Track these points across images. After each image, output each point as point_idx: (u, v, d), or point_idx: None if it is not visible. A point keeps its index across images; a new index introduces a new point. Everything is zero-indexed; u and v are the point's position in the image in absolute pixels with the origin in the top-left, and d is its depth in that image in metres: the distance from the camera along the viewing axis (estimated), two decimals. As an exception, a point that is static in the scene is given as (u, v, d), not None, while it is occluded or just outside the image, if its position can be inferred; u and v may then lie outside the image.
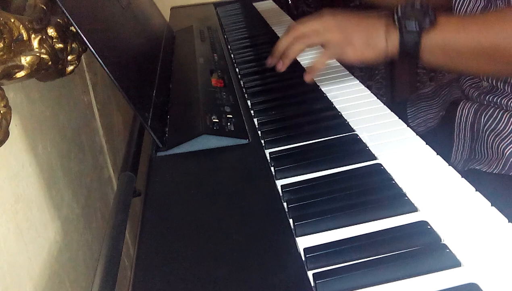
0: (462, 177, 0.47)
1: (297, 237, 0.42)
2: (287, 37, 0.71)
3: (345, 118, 0.62)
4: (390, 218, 0.43)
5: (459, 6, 0.73)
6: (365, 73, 1.60)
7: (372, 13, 0.67)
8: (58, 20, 0.57)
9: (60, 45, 0.56)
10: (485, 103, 0.73)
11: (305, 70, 0.81)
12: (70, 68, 0.60)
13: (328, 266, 0.38)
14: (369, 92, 0.69)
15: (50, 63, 0.52)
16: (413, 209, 0.44)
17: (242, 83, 0.80)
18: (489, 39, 0.59)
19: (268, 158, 0.55)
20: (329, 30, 0.66)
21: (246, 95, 0.75)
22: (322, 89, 0.72)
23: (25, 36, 0.48)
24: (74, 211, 0.67)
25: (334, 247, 0.40)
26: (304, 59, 0.85)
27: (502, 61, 0.60)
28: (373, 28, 0.64)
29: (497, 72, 0.66)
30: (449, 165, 0.49)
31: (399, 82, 1.58)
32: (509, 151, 0.67)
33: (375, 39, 0.63)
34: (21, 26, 0.47)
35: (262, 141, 0.59)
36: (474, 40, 0.59)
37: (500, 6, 0.67)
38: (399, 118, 0.60)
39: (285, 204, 0.46)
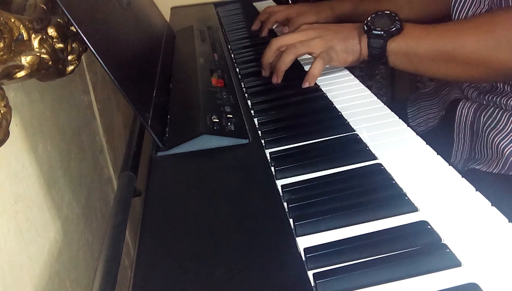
0: (462, 176, 0.47)
1: (297, 237, 0.42)
2: (269, 50, 0.77)
3: (345, 118, 0.62)
4: (390, 218, 0.43)
5: (458, 10, 0.74)
6: (365, 73, 1.60)
7: (345, 24, 0.75)
8: (58, 20, 0.57)
9: (60, 45, 0.56)
10: (484, 102, 0.73)
11: (304, 70, 0.81)
12: (70, 68, 0.60)
13: (328, 266, 0.38)
14: (369, 92, 0.69)
15: (50, 63, 0.52)
16: (413, 209, 0.44)
17: (242, 83, 0.80)
18: (445, 46, 0.64)
19: (268, 157, 0.55)
20: (312, 39, 0.73)
21: (246, 95, 0.75)
22: (322, 89, 0.72)
23: (25, 36, 0.48)
24: (74, 211, 0.67)
25: (334, 247, 0.40)
26: (306, 64, 0.85)
27: (457, 67, 0.65)
28: (349, 35, 0.72)
29: (455, 77, 0.71)
30: (449, 165, 0.49)
31: (399, 82, 1.58)
32: (509, 150, 0.67)
33: (353, 46, 0.71)
34: (21, 26, 0.47)
35: (262, 141, 0.59)
36: (433, 47, 0.65)
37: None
38: (399, 118, 0.60)
39: (285, 204, 0.46)
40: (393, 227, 0.42)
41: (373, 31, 0.68)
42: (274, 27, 1.10)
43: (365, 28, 0.69)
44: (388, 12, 0.68)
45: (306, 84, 0.74)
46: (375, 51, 0.68)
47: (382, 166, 0.50)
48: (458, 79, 0.73)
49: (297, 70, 0.81)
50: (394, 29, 0.66)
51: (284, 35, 0.77)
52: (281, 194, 0.48)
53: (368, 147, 0.54)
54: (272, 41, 0.76)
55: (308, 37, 0.74)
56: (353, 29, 0.72)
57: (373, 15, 0.69)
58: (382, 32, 0.67)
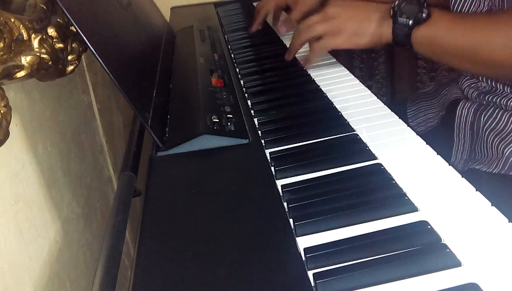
0: (462, 176, 0.47)
1: (297, 237, 0.42)
2: (294, 32, 0.80)
3: (345, 118, 0.62)
4: (390, 218, 0.43)
5: (458, 10, 0.74)
6: (365, 73, 1.60)
7: (374, 4, 0.71)
8: (58, 20, 0.57)
9: (60, 45, 0.56)
10: (484, 103, 0.73)
11: (304, 69, 0.81)
12: (70, 68, 0.60)
13: (328, 266, 0.38)
14: (369, 92, 0.69)
15: (50, 63, 0.52)
16: (413, 209, 0.44)
17: (242, 83, 0.80)
18: (472, 41, 0.62)
19: (268, 157, 0.55)
20: (320, 23, 0.72)
21: (246, 95, 0.75)
22: (322, 89, 0.72)
23: (25, 36, 0.48)
24: (74, 211, 0.67)
25: (334, 247, 0.40)
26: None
27: (480, 64, 0.63)
28: (367, 18, 0.70)
29: (477, 72, 0.70)
30: (449, 165, 0.49)
31: (399, 82, 1.58)
32: (509, 151, 0.67)
33: (367, 29, 0.69)
34: (21, 26, 0.47)
35: (262, 141, 0.59)
36: (458, 41, 0.63)
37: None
38: (399, 118, 0.60)
39: (285, 204, 0.46)
40: (393, 227, 0.42)
41: (399, 18, 0.65)
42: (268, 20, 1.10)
43: (392, 14, 0.66)
44: None
45: (306, 66, 0.79)
46: (400, 38, 0.67)
47: (382, 166, 0.50)
48: (479, 74, 0.71)
49: (297, 70, 0.82)
50: (420, 16, 0.64)
51: (307, 20, 0.76)
52: (281, 194, 0.48)
53: (368, 147, 0.54)
54: (298, 25, 0.78)
55: (320, 20, 0.73)
56: (377, 11, 0.69)
57: (401, 0, 0.66)
58: (407, 20, 0.65)
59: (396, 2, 0.66)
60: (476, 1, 0.72)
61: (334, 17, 0.71)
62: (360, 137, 0.57)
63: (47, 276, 0.54)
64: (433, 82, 1.54)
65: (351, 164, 0.52)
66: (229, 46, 1.01)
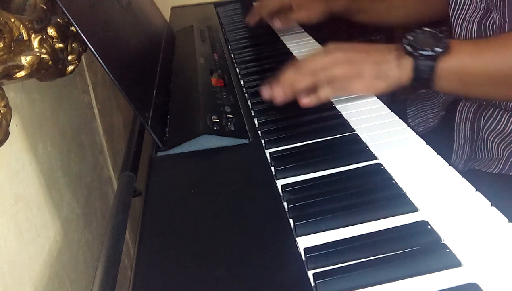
0: (462, 177, 0.47)
1: (297, 237, 0.42)
2: (292, 72, 0.64)
3: (345, 118, 0.62)
4: (390, 218, 0.43)
5: (457, 14, 0.73)
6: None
7: (380, 45, 0.63)
8: (58, 20, 0.57)
9: (60, 45, 0.56)
10: (484, 103, 0.73)
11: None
12: (70, 68, 0.60)
13: (328, 266, 0.38)
14: (369, 92, 0.69)
15: (50, 63, 0.52)
16: (413, 209, 0.44)
17: (242, 83, 0.80)
18: (507, 63, 0.57)
19: (268, 157, 0.55)
20: (337, 65, 0.62)
21: (246, 95, 0.75)
22: (322, 89, 0.72)
23: (25, 36, 0.48)
24: (74, 210, 0.67)
25: (334, 247, 0.40)
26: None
27: None
28: (383, 59, 0.61)
29: (510, 97, 0.64)
30: (449, 165, 0.49)
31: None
32: (509, 151, 0.67)
33: (386, 71, 0.60)
34: (21, 26, 0.47)
35: (262, 141, 0.59)
36: (492, 65, 0.57)
37: (495, 16, 0.68)
38: (399, 118, 0.61)
39: (285, 204, 0.47)
40: (393, 227, 0.42)
41: (420, 52, 0.57)
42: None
43: (409, 49, 0.58)
44: (427, 28, 0.59)
45: (304, 102, 0.63)
46: (423, 74, 0.58)
47: (382, 166, 0.50)
48: None
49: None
50: (441, 47, 0.57)
51: (309, 59, 0.64)
52: (281, 194, 0.48)
53: (368, 147, 0.54)
54: (296, 64, 0.64)
55: (334, 61, 0.62)
56: (388, 51, 0.61)
57: (413, 33, 0.59)
58: (431, 52, 0.57)
59: (409, 37, 0.59)
60: (473, 3, 0.72)
61: (349, 62, 0.61)
62: (360, 137, 0.57)
63: (47, 276, 0.54)
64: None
65: (351, 164, 0.52)
66: (229, 46, 1.01)
